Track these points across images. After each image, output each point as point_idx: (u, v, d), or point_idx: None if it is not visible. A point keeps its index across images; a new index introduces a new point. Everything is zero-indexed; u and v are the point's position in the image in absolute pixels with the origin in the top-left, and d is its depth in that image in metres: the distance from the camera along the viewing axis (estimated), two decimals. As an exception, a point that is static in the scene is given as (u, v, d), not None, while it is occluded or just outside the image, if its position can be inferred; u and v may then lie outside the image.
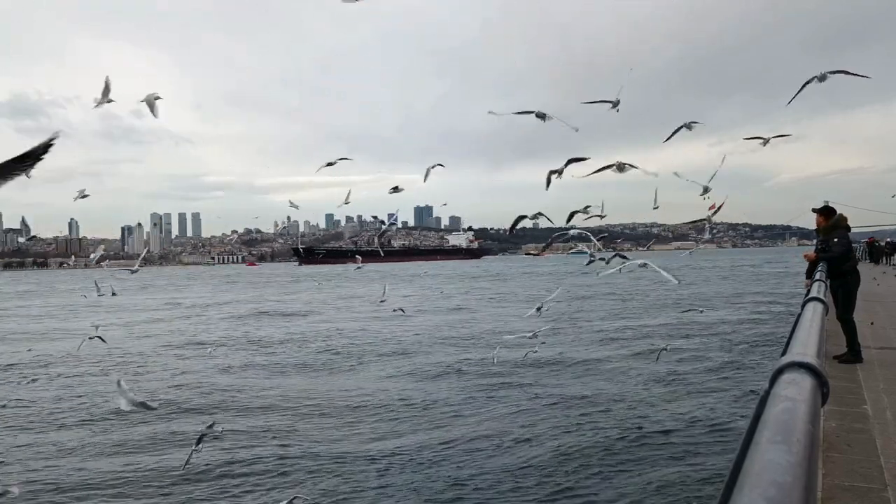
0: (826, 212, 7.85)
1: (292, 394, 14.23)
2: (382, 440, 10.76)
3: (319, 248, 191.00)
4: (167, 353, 20.84)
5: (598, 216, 8.78)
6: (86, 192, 7.69)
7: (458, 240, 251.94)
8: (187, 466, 8.97)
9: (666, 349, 14.73)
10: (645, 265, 7.67)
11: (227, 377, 16.65)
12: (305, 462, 9.66)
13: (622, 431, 10.72)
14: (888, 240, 35.06)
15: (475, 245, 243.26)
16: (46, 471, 9.70)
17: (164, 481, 9.13)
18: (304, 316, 31.96)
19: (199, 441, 8.09)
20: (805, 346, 2.59)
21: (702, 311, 21.18)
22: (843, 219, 7.82)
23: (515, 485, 8.64)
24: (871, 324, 9.46)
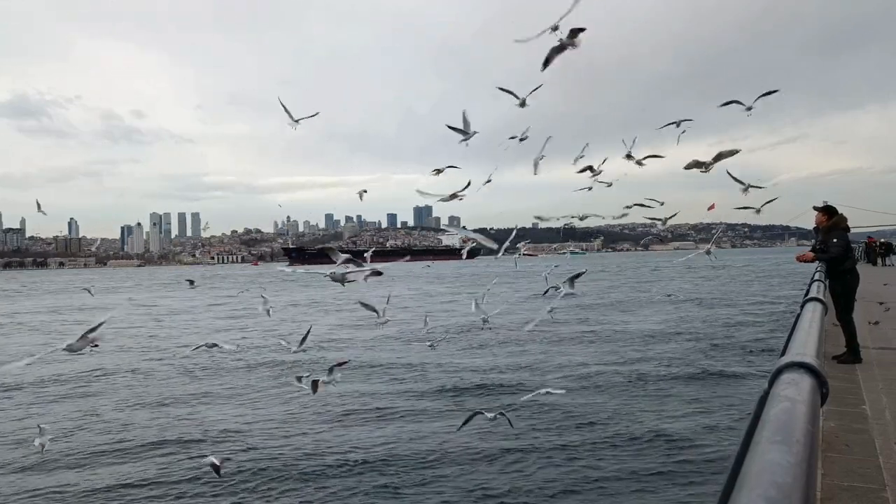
0: (828, 211, 7.87)
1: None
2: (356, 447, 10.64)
3: (311, 249, 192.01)
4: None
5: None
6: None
7: (451, 240, 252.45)
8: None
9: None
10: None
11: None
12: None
13: (617, 431, 10.70)
14: (882, 240, 35.20)
15: (468, 245, 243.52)
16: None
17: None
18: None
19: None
20: (804, 347, 2.59)
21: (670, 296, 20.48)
22: (843, 219, 7.84)
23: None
24: (877, 323, 9.53)
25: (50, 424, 10.57)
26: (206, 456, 8.12)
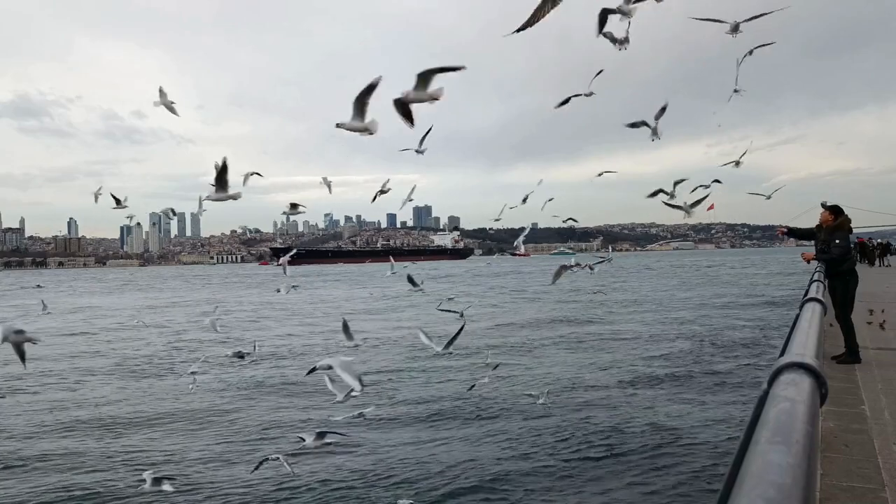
0: (834, 210, 7.87)
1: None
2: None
3: (301, 249, 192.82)
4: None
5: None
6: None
7: (443, 240, 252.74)
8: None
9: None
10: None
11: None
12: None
13: (615, 433, 10.68)
14: (879, 240, 35.29)
15: (461, 245, 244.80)
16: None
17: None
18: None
19: None
20: (804, 347, 2.59)
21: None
22: (848, 221, 7.84)
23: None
24: None
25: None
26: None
